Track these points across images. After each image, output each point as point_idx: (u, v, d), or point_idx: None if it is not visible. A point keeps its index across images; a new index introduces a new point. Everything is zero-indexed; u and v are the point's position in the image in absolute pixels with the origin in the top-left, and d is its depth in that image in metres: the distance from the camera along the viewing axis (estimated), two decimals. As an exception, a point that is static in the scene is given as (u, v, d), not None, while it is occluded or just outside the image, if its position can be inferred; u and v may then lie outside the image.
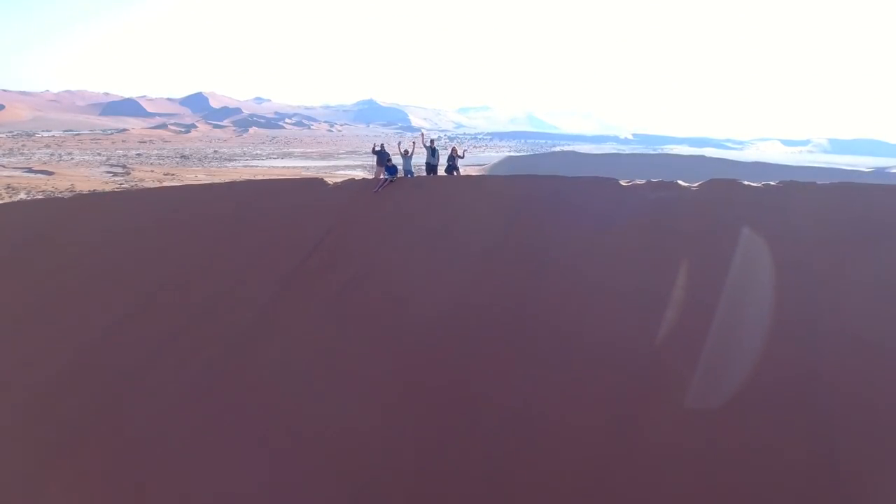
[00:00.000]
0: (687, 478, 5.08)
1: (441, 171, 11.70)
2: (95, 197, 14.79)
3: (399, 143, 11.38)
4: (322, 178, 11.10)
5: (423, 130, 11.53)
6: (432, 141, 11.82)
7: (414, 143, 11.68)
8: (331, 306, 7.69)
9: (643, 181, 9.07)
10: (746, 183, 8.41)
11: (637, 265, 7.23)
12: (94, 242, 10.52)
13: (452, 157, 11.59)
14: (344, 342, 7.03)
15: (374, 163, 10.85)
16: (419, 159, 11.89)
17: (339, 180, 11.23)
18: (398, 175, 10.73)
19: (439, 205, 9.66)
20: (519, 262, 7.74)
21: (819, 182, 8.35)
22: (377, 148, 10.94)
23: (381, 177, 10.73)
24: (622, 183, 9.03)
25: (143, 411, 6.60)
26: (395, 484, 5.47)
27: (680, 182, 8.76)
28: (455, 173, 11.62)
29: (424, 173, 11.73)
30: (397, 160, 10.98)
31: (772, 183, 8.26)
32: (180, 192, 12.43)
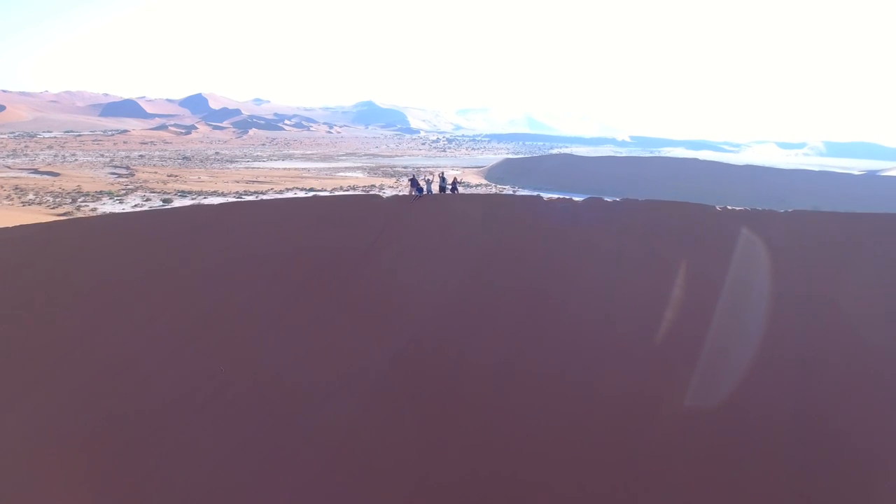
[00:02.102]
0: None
1: (448, 191, 19.44)
2: (239, 204, 22.45)
3: (424, 176, 19.12)
4: (378, 194, 18.81)
5: (436, 172, 19.73)
6: (443, 173, 19.57)
7: (433, 175, 19.42)
8: (388, 264, 15.26)
9: (557, 197, 16.81)
10: (608, 199, 16.10)
11: (552, 243, 14.84)
12: (238, 233, 18.10)
13: (454, 182, 19.39)
14: (398, 279, 14.63)
15: (409, 185, 18.56)
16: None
17: (388, 195, 18.99)
18: (423, 193, 18.44)
19: (446, 210, 17.32)
20: (486, 241, 15.38)
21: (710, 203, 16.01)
22: (410, 177, 18.62)
23: (413, 194, 18.41)
24: (544, 198, 16.75)
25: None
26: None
27: (574, 198, 16.48)
28: (455, 192, 19.41)
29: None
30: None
31: (617, 199, 15.97)
32: (285, 203, 20.19)
